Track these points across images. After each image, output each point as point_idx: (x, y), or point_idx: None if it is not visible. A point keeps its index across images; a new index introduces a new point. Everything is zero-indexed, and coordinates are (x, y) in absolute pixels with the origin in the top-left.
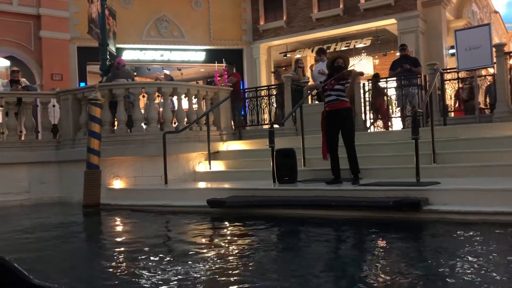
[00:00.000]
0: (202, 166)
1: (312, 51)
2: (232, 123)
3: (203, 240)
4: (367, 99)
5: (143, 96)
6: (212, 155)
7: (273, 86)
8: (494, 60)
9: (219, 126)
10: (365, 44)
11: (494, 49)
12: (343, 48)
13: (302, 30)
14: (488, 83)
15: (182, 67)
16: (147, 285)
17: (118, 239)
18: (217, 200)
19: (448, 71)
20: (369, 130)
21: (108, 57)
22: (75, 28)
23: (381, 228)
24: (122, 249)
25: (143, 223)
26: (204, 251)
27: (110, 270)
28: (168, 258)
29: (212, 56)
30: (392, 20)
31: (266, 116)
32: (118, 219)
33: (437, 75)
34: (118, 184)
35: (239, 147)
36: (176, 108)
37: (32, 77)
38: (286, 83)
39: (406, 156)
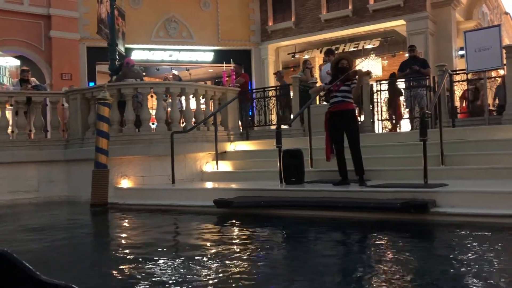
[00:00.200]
0: (209, 166)
1: (321, 52)
2: (240, 123)
3: (210, 240)
4: (375, 99)
5: (151, 96)
6: (220, 155)
7: (281, 87)
8: (504, 61)
9: (226, 127)
10: (373, 45)
11: (504, 51)
12: (352, 49)
13: (311, 31)
14: (497, 85)
15: (190, 68)
16: (155, 285)
17: (125, 239)
18: (224, 201)
19: (457, 72)
20: (383, 131)
21: (117, 57)
22: (84, 28)
23: (388, 229)
24: (129, 248)
25: (150, 223)
26: (212, 251)
27: (117, 269)
28: (175, 258)
29: (220, 57)
30: (401, 21)
31: (273, 116)
32: (125, 219)
33: (446, 76)
34: (125, 183)
35: (247, 148)
36: (184, 108)
37: (42, 76)
38: (294, 84)
39: (414, 157)
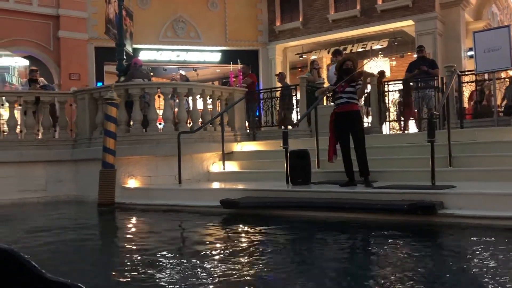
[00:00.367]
0: (216, 166)
1: (328, 52)
2: (247, 123)
3: (217, 240)
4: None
5: (159, 96)
6: (226, 156)
7: (291, 87)
8: None
9: (233, 127)
10: (382, 45)
11: None
12: (360, 50)
13: (319, 31)
14: (506, 86)
15: (198, 68)
16: (163, 284)
17: (131, 239)
18: (230, 201)
19: (466, 73)
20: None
21: (125, 57)
22: (93, 28)
23: (395, 231)
24: (134, 248)
25: (157, 223)
26: (218, 251)
27: (124, 268)
28: (181, 258)
29: (228, 57)
30: (410, 22)
31: (278, 117)
32: (132, 218)
33: (455, 77)
34: (132, 183)
35: (253, 148)
36: (191, 108)
37: (51, 76)
38: (302, 85)
39: (422, 159)
